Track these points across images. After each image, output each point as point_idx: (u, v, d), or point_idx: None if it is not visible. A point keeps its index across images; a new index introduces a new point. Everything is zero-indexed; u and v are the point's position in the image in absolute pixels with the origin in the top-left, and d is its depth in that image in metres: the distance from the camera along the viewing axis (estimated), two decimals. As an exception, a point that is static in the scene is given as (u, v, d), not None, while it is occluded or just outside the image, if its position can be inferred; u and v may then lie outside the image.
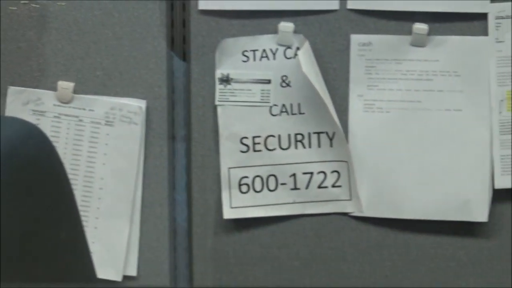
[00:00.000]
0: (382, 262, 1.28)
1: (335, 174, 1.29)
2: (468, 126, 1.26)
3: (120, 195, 1.28)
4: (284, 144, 1.29)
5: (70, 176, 1.22)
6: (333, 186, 1.31)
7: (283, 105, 1.29)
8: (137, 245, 1.32)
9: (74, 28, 1.23)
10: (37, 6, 1.23)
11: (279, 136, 1.30)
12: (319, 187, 1.31)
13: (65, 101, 1.26)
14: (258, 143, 1.29)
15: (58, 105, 1.27)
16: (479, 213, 1.24)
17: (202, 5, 1.25)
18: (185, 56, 1.27)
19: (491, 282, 1.23)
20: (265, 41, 1.28)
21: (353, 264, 1.32)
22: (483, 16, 1.21)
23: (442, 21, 1.23)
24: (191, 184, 1.30)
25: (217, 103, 1.28)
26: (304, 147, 1.30)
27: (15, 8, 1.23)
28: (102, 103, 1.27)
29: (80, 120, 1.27)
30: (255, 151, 1.31)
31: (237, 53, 1.29)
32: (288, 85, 1.28)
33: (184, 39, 1.26)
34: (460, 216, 1.26)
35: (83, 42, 1.25)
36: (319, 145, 1.30)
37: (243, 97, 1.29)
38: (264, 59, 1.28)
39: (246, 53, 1.28)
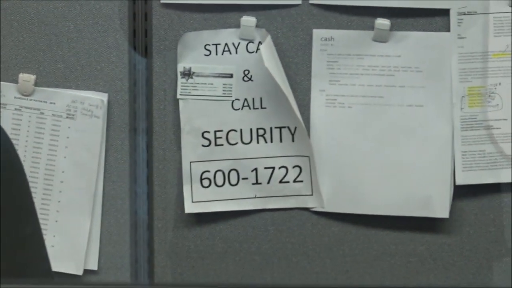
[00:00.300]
0: (343, 257, 1.29)
1: (297, 169, 1.30)
2: (429, 122, 1.28)
3: (81, 188, 1.29)
4: (246, 138, 1.31)
5: (30, 169, 1.27)
6: (295, 181, 1.32)
7: (245, 100, 1.31)
8: (98, 239, 1.34)
9: (35, 20, 1.24)
10: (-2, -2, 1.23)
11: (241, 131, 1.32)
12: (281, 182, 1.33)
13: (26, 94, 1.28)
14: (220, 138, 1.31)
15: (19, 98, 1.29)
16: (440, 209, 1.26)
17: None
18: (146, 50, 1.27)
19: (452, 278, 1.25)
20: (227, 35, 1.30)
21: (314, 260, 1.33)
22: (445, 12, 1.23)
23: (404, 16, 1.25)
24: (152, 177, 1.30)
25: (179, 97, 1.29)
26: (265, 141, 1.32)
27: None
28: (64, 96, 1.29)
29: (41, 113, 1.29)
30: (216, 145, 1.32)
31: (199, 47, 1.30)
32: (250, 79, 1.30)
33: (146, 33, 1.26)
34: (421, 212, 1.27)
35: (44, 34, 1.26)
36: (280, 140, 1.32)
37: (205, 91, 1.31)
38: (226, 53, 1.30)
39: (208, 47, 1.29)
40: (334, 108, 1.28)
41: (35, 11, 1.25)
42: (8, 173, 0.96)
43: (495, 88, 1.24)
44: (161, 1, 1.26)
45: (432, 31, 1.26)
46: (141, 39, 1.27)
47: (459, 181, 1.25)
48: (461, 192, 1.29)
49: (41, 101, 1.29)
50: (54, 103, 1.28)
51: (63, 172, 1.29)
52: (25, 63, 1.29)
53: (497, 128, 1.25)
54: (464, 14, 1.21)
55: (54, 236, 1.28)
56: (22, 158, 1.21)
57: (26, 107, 1.29)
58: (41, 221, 1.23)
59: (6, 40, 1.26)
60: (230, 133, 1.33)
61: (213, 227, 1.35)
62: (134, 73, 1.28)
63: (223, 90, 1.30)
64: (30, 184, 1.20)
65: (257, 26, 1.29)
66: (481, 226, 1.30)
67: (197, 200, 1.34)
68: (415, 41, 1.27)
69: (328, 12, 1.29)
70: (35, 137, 1.28)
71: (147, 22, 1.30)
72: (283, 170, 1.33)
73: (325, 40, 1.28)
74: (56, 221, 1.30)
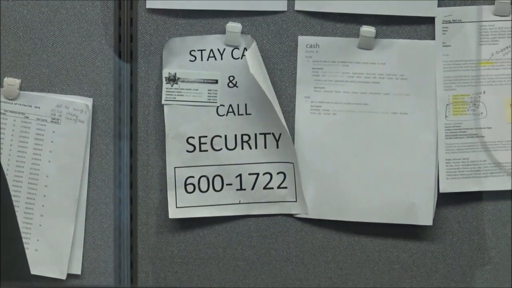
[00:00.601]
0: (326, 264, 1.29)
1: (281, 175, 1.30)
2: (414, 129, 1.28)
3: (65, 193, 1.29)
4: (231, 144, 1.30)
5: (15, 173, 1.28)
6: (279, 187, 1.32)
7: (230, 106, 1.31)
8: (82, 244, 1.33)
9: (20, 24, 1.24)
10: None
11: (226, 137, 1.31)
12: (265, 188, 1.32)
13: (11, 98, 1.28)
14: (205, 143, 1.30)
15: (4, 102, 1.29)
16: (424, 217, 1.27)
17: (149, 4, 1.26)
18: (132, 55, 1.26)
19: (435, 285, 1.25)
20: (213, 41, 1.29)
21: (297, 266, 1.32)
22: (430, 20, 1.23)
23: (389, 24, 1.25)
24: (136, 183, 1.30)
25: (163, 102, 1.29)
26: (250, 148, 1.32)
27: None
28: (49, 101, 1.29)
29: (26, 117, 1.28)
30: (201, 151, 1.32)
31: (184, 53, 1.30)
32: (235, 85, 1.29)
33: (131, 38, 1.26)
34: (405, 220, 1.28)
35: (29, 38, 1.26)
36: (265, 146, 1.31)
37: (190, 96, 1.30)
38: (212, 59, 1.30)
39: (193, 53, 1.29)
40: (319, 115, 1.28)
41: (21, 15, 1.24)
42: None
43: (480, 97, 1.24)
44: (147, 7, 1.24)
45: (417, 39, 1.26)
46: (126, 44, 1.27)
47: (442, 189, 1.25)
48: (445, 200, 1.29)
49: (25, 105, 1.29)
50: (39, 107, 1.27)
51: (47, 176, 1.29)
52: (10, 67, 1.29)
53: (481, 137, 1.25)
54: (449, 22, 1.22)
55: (37, 240, 1.28)
56: (6, 161, 1.28)
57: (10, 111, 1.29)
58: (24, 225, 1.28)
59: (-10, 44, 1.25)
60: (215, 139, 1.32)
61: (197, 233, 1.34)
62: (118, 78, 1.28)
63: (208, 96, 1.30)
64: (14, 188, 1.25)
65: (242, 32, 1.28)
66: (464, 234, 1.30)
67: (181, 206, 1.33)
68: (400, 49, 1.26)
69: (313, 19, 1.28)
70: (19, 141, 1.28)
71: (132, 27, 1.29)
72: (267, 176, 1.32)
73: (310, 47, 1.28)
74: (40, 225, 1.29)
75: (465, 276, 1.28)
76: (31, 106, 1.29)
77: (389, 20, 1.26)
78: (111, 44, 1.27)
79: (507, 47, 1.21)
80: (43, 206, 1.29)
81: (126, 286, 1.28)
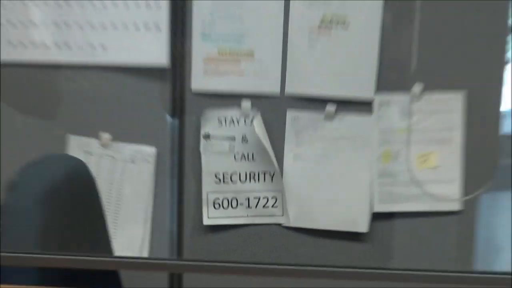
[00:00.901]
0: (302, 258, 1.57)
1: (274, 198, 1.59)
2: (358, 170, 1.57)
3: (139, 209, 1.59)
4: (243, 179, 1.57)
5: (106, 196, 1.60)
6: (272, 206, 1.59)
7: (243, 154, 1.57)
8: (148, 243, 1.60)
9: (101, 95, 1.54)
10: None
11: (239, 174, 1.57)
12: (263, 206, 1.59)
13: (105, 146, 1.59)
14: (226, 177, 1.58)
15: (100, 149, 1.60)
16: (363, 226, 1.58)
17: (194, 87, 1.55)
18: (182, 117, 1.54)
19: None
20: (233, 112, 1.56)
21: (282, 259, 1.58)
22: (370, 102, 1.52)
23: (343, 104, 1.53)
24: (183, 202, 1.60)
25: (201, 151, 1.57)
26: (255, 181, 1.58)
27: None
28: (129, 148, 1.59)
29: (114, 159, 1.60)
30: (224, 182, 1.58)
31: (214, 119, 1.56)
32: (246, 141, 1.56)
33: (181, 108, 1.56)
34: (350, 228, 1.58)
35: (116, 104, 1.56)
36: (264, 180, 1.59)
37: (217, 148, 1.58)
38: (231, 124, 1.56)
39: (220, 119, 1.56)
40: (299, 160, 1.58)
41: (90, 84, 1.53)
42: (93, 197, 1.51)
43: (399, 152, 1.58)
44: (192, 88, 1.54)
45: (362, 112, 1.53)
46: (178, 112, 1.56)
47: (376, 209, 1.58)
48: (378, 215, 1.57)
49: (114, 151, 1.58)
50: (122, 153, 1.58)
51: (127, 199, 1.59)
52: (103, 125, 1.59)
53: (401, 176, 1.58)
54: (382, 104, 1.55)
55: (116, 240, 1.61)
56: (101, 188, 1.57)
57: (105, 155, 1.60)
58: (111, 229, 1.60)
59: (81, 109, 1.57)
60: (233, 175, 1.57)
61: (220, 234, 1.62)
62: (173, 135, 1.58)
63: (229, 148, 1.58)
64: (106, 204, 1.61)
65: (251, 107, 1.55)
66: (392, 240, 1.58)
67: (211, 217, 1.60)
68: (350, 120, 1.55)
69: (297, 100, 1.56)
70: (110, 175, 1.61)
71: (181, 100, 1.56)
72: (265, 199, 1.59)
73: (294, 118, 1.56)
74: (123, 230, 1.60)
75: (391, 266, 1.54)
76: (117, 152, 1.59)
77: (344, 101, 1.53)
78: (168, 111, 1.56)
79: (417, 121, 1.57)
80: (123, 216, 1.59)
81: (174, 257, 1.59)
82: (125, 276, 1.59)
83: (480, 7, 1.54)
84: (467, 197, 1.62)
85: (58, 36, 1.60)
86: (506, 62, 1.59)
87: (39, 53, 1.62)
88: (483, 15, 1.54)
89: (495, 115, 1.61)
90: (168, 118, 1.62)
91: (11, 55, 1.61)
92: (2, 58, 1.59)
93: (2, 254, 1.26)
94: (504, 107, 1.61)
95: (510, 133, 1.66)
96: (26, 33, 1.61)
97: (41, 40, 1.61)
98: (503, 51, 1.57)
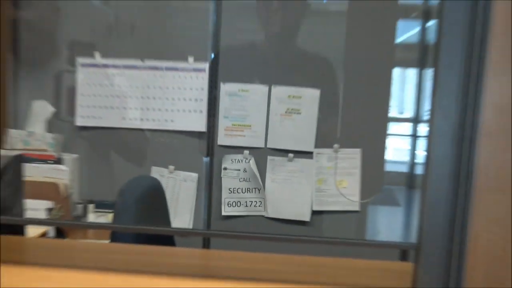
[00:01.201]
0: (274, 232, 2.50)
1: (260, 202, 2.59)
2: (305, 187, 2.62)
3: (185, 207, 2.76)
4: (243, 191, 2.59)
5: (169, 199, 2.92)
6: (259, 206, 2.61)
7: (244, 178, 2.59)
8: (192, 223, 2.77)
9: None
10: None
11: (242, 188, 2.59)
12: (254, 206, 2.60)
13: (170, 172, 2.74)
14: (234, 190, 2.61)
15: (168, 174, 2.74)
16: (307, 217, 2.59)
17: (219, 142, 2.57)
18: (211, 159, 2.70)
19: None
20: (239, 156, 2.60)
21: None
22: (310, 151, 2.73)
23: (297, 153, 2.63)
24: (211, 202, 2.70)
25: (222, 176, 2.63)
26: (249, 192, 2.61)
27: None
28: (183, 174, 2.68)
29: (175, 179, 2.70)
30: (233, 193, 2.60)
31: (229, 159, 2.60)
32: (245, 171, 2.57)
33: (212, 153, 2.69)
34: (300, 217, 2.58)
35: (175, 154, 2.88)
36: (254, 192, 2.61)
37: (230, 175, 2.60)
38: (238, 162, 2.59)
39: (232, 160, 2.58)
40: (274, 182, 2.58)
41: (163, 141, 2.96)
42: (163, 199, 2.90)
43: (327, 179, 2.79)
44: (218, 144, 2.74)
45: (307, 157, 2.49)
46: (210, 156, 2.91)
47: (314, 208, 2.60)
48: (315, 213, 2.73)
49: (175, 175, 2.63)
50: (179, 176, 2.69)
51: (181, 201, 2.74)
52: (170, 162, 2.81)
53: (327, 191, 2.68)
54: (318, 153, 2.70)
55: (175, 222, 3.00)
56: (167, 194, 2.73)
57: (170, 177, 2.64)
58: (171, 217, 2.77)
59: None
60: (238, 189, 2.58)
61: (230, 220, 2.60)
62: (206, 166, 2.68)
63: (237, 175, 2.57)
64: (169, 204, 2.83)
65: (249, 153, 2.57)
66: (326, 226, 2.68)
67: (226, 211, 2.62)
68: (301, 162, 2.55)
69: (273, 151, 2.54)
70: (172, 188, 2.67)
71: (212, 150, 2.91)
72: (255, 202, 2.58)
73: (271, 160, 2.57)
74: (179, 217, 2.94)
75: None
76: (177, 176, 2.67)
77: (298, 151, 2.54)
78: (204, 154, 2.80)
79: (336, 163, 3.00)
80: (179, 210, 2.88)
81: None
82: (178, 241, 2.53)
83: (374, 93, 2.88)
84: (364, 201, 2.62)
85: (144, 115, 2.87)
86: (389, 121, 2.72)
87: (133, 124, 2.74)
88: (376, 101, 2.82)
89: (380, 160, 2.56)
90: (204, 158, 2.66)
91: (121, 124, 2.84)
92: (116, 125, 2.88)
93: (117, 228, 2.45)
94: (386, 155, 2.79)
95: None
96: (126, 114, 2.74)
97: (134, 116, 2.76)
98: (386, 117, 2.73)
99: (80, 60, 2.62)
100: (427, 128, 1.46)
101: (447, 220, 1.45)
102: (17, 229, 1.89)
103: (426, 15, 2.50)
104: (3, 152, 2.31)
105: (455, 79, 1.41)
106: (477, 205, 1.42)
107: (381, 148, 2.61)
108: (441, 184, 1.44)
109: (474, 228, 1.43)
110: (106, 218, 2.68)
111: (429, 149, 1.45)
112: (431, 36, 2.40)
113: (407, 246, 1.52)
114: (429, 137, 1.44)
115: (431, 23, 2.45)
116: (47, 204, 2.47)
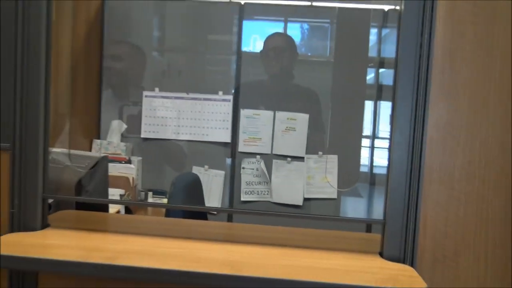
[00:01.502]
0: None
1: (267, 191, 2.62)
2: (299, 182, 2.76)
3: (217, 193, 2.91)
4: (256, 184, 2.70)
5: (204, 189, 2.85)
6: (267, 194, 2.64)
7: (256, 175, 2.60)
8: (220, 204, 2.86)
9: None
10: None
11: (255, 182, 2.62)
12: (263, 194, 2.63)
13: (206, 170, 2.83)
14: (250, 183, 2.71)
15: (204, 171, 2.77)
16: (300, 202, 2.65)
17: (239, 150, 2.74)
18: (233, 160, 2.82)
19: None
20: (253, 159, 2.65)
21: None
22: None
23: (294, 157, 2.76)
24: (234, 191, 2.80)
25: (241, 173, 2.68)
26: (261, 184, 2.64)
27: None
28: (214, 171, 2.76)
29: (208, 175, 2.76)
30: (249, 185, 2.63)
31: (246, 161, 2.64)
32: (257, 170, 2.64)
33: (234, 156, 2.93)
34: (296, 202, 2.65)
35: (208, 157, 2.92)
36: (264, 184, 2.65)
37: (247, 172, 2.67)
38: (252, 164, 2.62)
39: (248, 162, 2.66)
40: (277, 178, 2.67)
41: (199, 149, 3.00)
42: (200, 189, 2.89)
43: (314, 175, 2.97)
44: (239, 151, 2.91)
45: (300, 161, 2.65)
46: (233, 158, 3.00)
47: (305, 196, 2.72)
48: (307, 199, 2.84)
49: (209, 172, 2.75)
50: (212, 173, 2.80)
51: (213, 190, 3.04)
52: (206, 163, 2.90)
53: (314, 184, 2.84)
54: (308, 158, 2.82)
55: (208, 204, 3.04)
56: (203, 186, 2.72)
57: (205, 173, 2.74)
58: (206, 201, 2.79)
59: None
60: (253, 182, 2.62)
61: (247, 204, 2.63)
62: (230, 166, 2.96)
63: (251, 172, 2.62)
64: (204, 192, 2.83)
65: (260, 158, 2.62)
66: (319, 209, 2.74)
67: (244, 198, 2.65)
68: (296, 164, 2.63)
69: (277, 156, 2.59)
70: (207, 181, 2.83)
71: (234, 154, 3.06)
72: (265, 191, 2.62)
73: (275, 162, 2.69)
74: (211, 201, 3.05)
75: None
76: (210, 172, 2.79)
77: (294, 156, 2.69)
78: (228, 156, 2.96)
79: (320, 165, 3.00)
80: (211, 196, 3.02)
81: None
82: (210, 217, 2.54)
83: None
84: (342, 190, 2.65)
85: (188, 130, 2.92)
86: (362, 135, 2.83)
87: (180, 136, 2.78)
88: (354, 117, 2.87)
89: (356, 162, 2.67)
90: (228, 160, 2.68)
91: (172, 136, 2.92)
92: (168, 137, 2.93)
93: (169, 206, 2.48)
94: (361, 162, 2.80)
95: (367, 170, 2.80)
96: (175, 129, 2.85)
97: (181, 131, 2.85)
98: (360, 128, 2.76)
99: (145, 93, 2.70)
100: (387, 141, 1.49)
101: (404, 204, 1.46)
102: (103, 207, 1.92)
103: (380, 64, 2.64)
104: (92, 154, 2.31)
105: (408, 106, 1.46)
106: (425, 193, 1.45)
107: (356, 154, 2.69)
108: (400, 178, 1.47)
109: (423, 209, 1.46)
110: (161, 201, 2.62)
111: (390, 155, 1.47)
112: (383, 79, 2.62)
113: (376, 221, 1.48)
114: (390, 146, 1.46)
115: (382, 70, 2.62)
116: (120, 191, 2.46)
